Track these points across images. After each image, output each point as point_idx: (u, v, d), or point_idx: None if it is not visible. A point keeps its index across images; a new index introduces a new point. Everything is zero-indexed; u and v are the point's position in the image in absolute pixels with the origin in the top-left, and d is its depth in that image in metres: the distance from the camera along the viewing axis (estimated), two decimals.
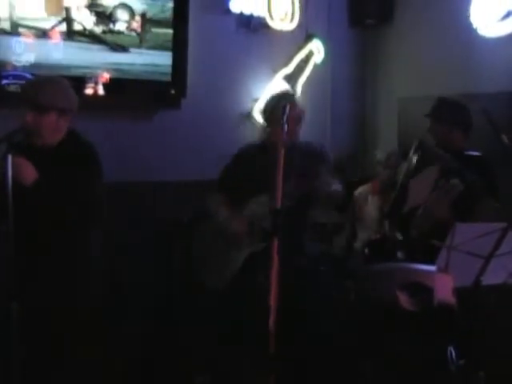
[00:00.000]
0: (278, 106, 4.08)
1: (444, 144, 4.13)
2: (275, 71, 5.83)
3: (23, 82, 4.27)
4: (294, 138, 4.06)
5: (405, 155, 4.26)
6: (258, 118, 5.71)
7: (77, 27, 4.76)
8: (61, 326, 3.32)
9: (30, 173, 3.17)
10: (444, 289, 3.18)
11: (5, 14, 4.45)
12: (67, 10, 4.70)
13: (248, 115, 5.73)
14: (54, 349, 3.33)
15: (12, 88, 4.38)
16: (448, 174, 3.94)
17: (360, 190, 5.26)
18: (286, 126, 3.14)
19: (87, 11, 4.80)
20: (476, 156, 4.12)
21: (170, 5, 5.13)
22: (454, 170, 3.94)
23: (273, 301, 3.06)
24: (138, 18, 5.01)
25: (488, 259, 3.06)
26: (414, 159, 4.14)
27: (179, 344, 4.60)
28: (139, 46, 5.07)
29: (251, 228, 4.10)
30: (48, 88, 3.31)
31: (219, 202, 4.20)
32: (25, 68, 4.49)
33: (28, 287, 3.20)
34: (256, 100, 5.73)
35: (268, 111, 4.25)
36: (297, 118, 4.10)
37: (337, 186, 4.26)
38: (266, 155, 4.00)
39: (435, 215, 3.88)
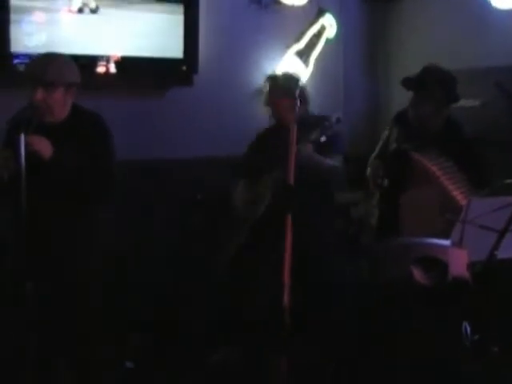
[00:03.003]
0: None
1: (425, 124, 3.91)
2: (287, 47, 5.80)
3: None
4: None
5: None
6: None
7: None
8: (72, 305, 3.35)
9: (47, 147, 3.20)
10: (458, 263, 3.18)
11: None
12: None
13: (260, 91, 5.70)
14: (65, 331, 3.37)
15: (23, 68, 4.37)
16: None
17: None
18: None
19: None
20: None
21: None
22: None
23: (286, 277, 3.07)
24: None
25: (503, 233, 3.04)
26: None
27: (192, 323, 4.60)
28: None
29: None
30: (54, 64, 3.35)
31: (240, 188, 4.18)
32: (36, 47, 4.47)
33: (41, 265, 3.23)
34: None
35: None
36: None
37: (330, 161, 4.03)
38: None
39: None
